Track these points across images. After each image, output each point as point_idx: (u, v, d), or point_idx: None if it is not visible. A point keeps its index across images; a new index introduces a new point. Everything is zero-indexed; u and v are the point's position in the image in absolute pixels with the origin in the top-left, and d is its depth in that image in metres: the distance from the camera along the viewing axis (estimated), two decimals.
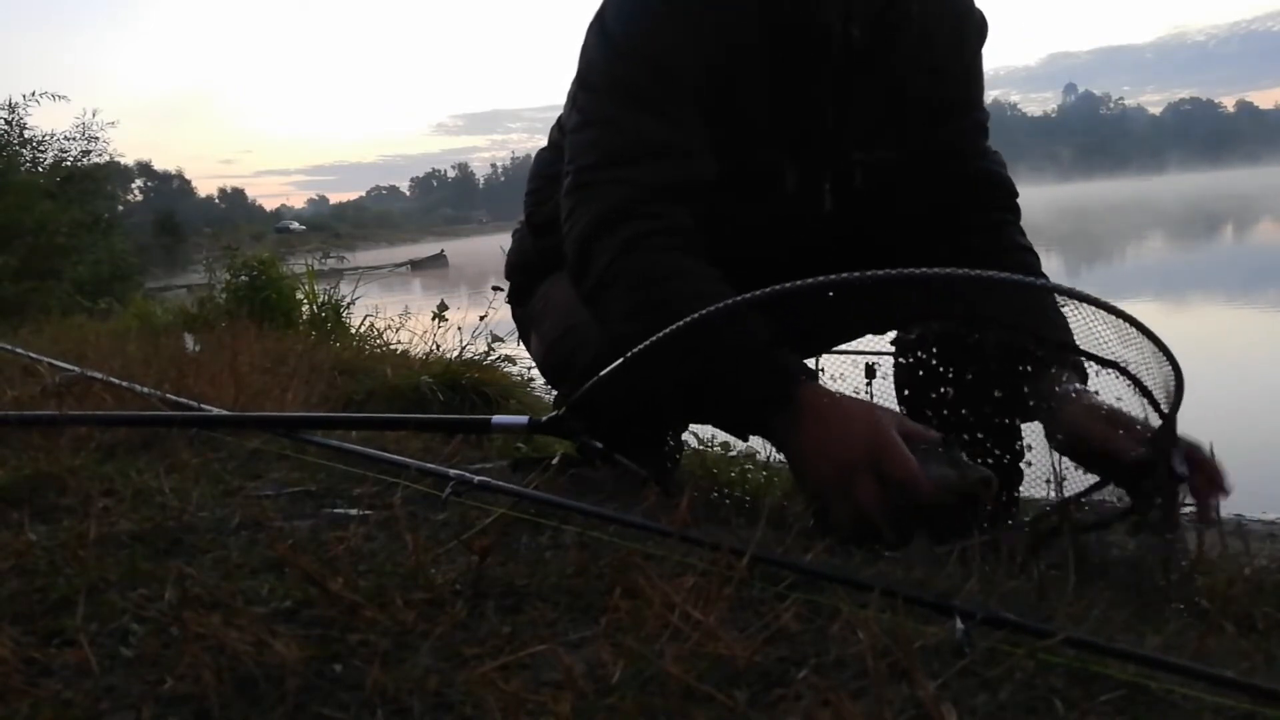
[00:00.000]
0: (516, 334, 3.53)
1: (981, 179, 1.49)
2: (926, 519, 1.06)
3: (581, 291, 1.36)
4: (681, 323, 1.16)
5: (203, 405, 1.69)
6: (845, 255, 1.49)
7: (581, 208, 1.32)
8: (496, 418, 1.37)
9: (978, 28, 1.48)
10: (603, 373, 1.25)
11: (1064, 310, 1.25)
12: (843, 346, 1.82)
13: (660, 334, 1.16)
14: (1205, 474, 1.14)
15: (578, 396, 1.30)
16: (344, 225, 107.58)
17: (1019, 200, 1.51)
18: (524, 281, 1.66)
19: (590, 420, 1.45)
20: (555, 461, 1.37)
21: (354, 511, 1.20)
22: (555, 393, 1.65)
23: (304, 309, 5.56)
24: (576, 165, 1.35)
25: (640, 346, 1.19)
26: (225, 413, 1.61)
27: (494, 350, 3.49)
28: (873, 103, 1.39)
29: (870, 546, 1.05)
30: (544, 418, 1.35)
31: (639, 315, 1.24)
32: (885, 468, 1.06)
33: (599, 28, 1.36)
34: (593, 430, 1.32)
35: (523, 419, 1.35)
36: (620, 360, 1.21)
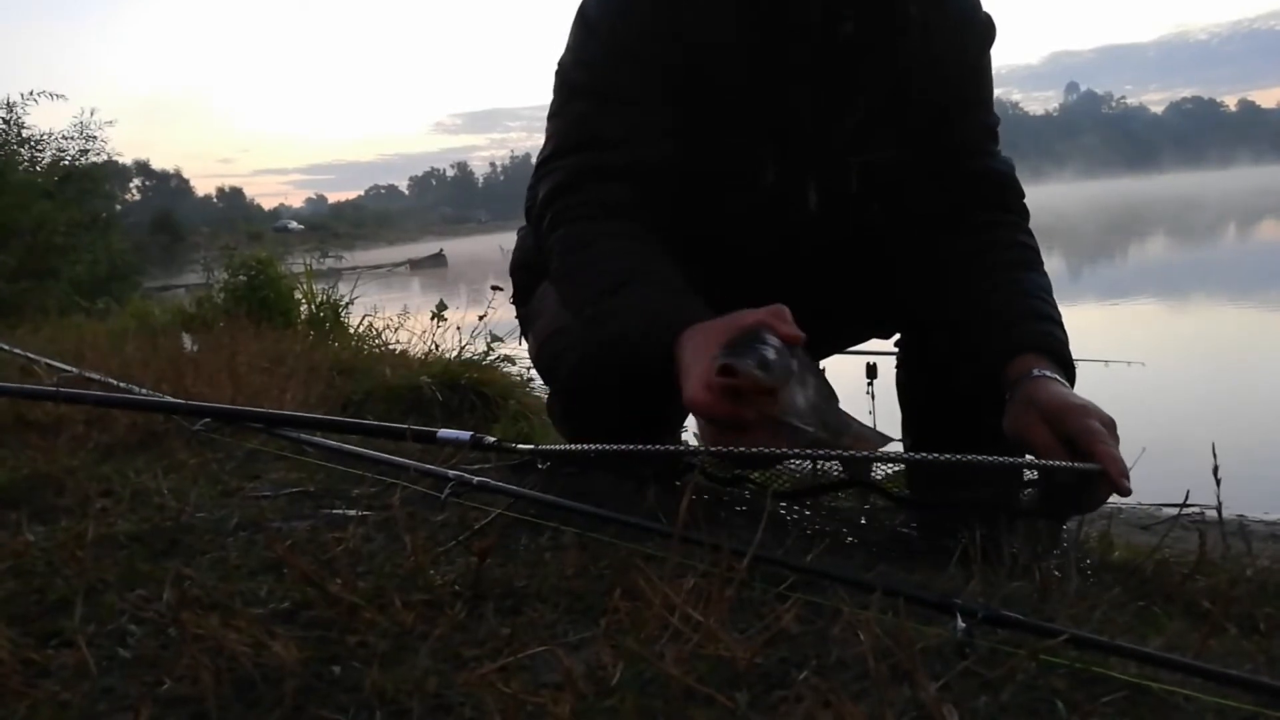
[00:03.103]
0: (515, 333, 3.53)
1: (986, 178, 1.47)
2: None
3: (543, 271, 1.42)
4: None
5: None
6: (832, 254, 1.48)
7: (536, 199, 1.39)
8: (443, 431, 1.39)
9: (983, 29, 1.46)
10: (531, 449, 1.31)
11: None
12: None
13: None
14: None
15: (511, 449, 1.34)
16: (342, 224, 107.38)
17: (1026, 201, 1.49)
18: (526, 280, 1.67)
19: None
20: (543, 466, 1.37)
21: (353, 512, 1.19)
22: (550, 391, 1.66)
23: (302, 309, 5.55)
24: (539, 159, 1.41)
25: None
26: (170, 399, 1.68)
27: (493, 350, 3.48)
28: (868, 101, 1.39)
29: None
30: (488, 439, 1.36)
31: (563, 282, 1.34)
32: (685, 397, 1.05)
33: (580, 11, 1.38)
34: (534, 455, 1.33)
35: (466, 434, 1.36)
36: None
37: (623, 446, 1.15)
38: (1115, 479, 1.08)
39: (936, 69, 1.40)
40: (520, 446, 1.31)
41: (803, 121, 1.36)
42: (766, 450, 1.02)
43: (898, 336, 1.63)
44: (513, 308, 1.79)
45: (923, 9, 1.37)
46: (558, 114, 1.40)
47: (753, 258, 1.45)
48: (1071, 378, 1.26)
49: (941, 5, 1.41)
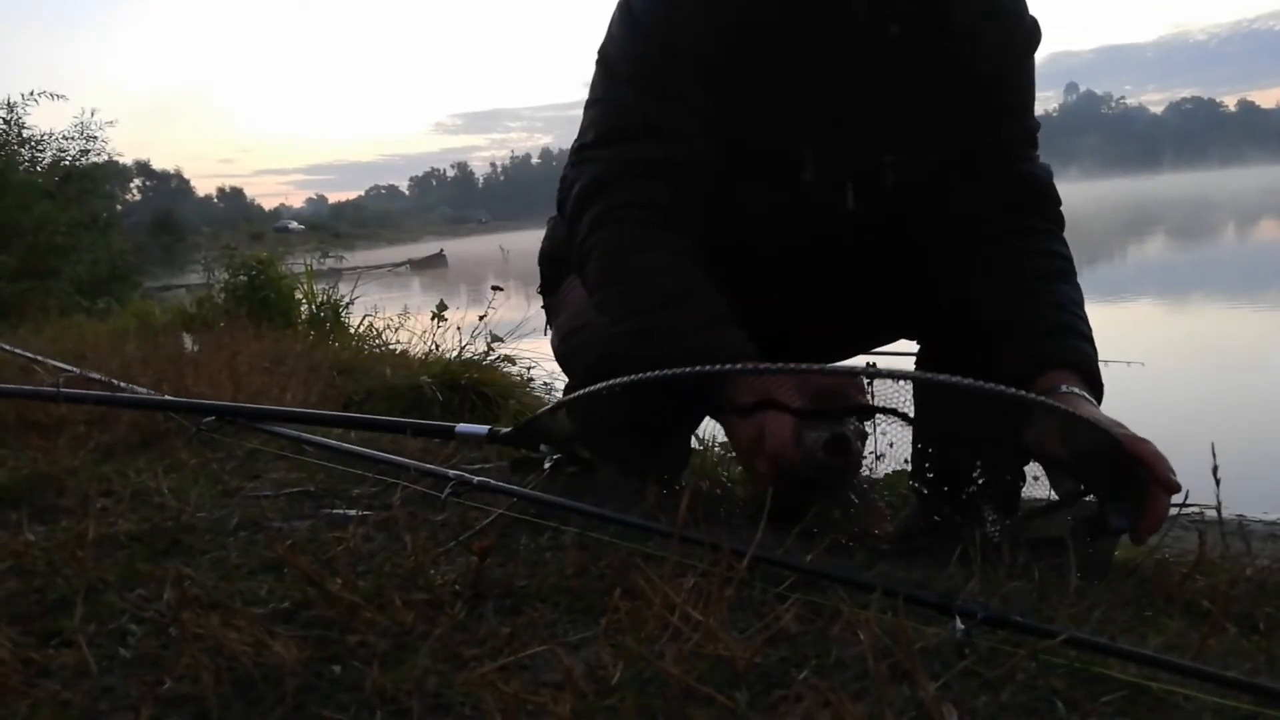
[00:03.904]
0: (516, 333, 3.53)
1: (1023, 183, 1.45)
2: (810, 488, 1.11)
3: (574, 265, 1.41)
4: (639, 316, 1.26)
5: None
6: (867, 254, 1.48)
7: (571, 186, 1.38)
8: (460, 426, 1.40)
9: (1028, 33, 1.44)
10: (547, 408, 1.33)
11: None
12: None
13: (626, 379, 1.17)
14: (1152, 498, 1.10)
15: (531, 419, 1.35)
16: (343, 224, 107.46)
17: (1061, 209, 1.47)
18: (554, 271, 1.67)
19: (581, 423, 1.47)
20: (548, 464, 1.37)
21: (353, 512, 1.20)
22: (566, 380, 1.66)
23: (303, 309, 5.55)
24: (578, 143, 1.40)
25: (601, 385, 1.19)
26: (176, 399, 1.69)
27: (493, 350, 3.49)
28: (909, 102, 1.38)
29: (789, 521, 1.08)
30: (503, 430, 1.37)
31: (606, 285, 1.32)
32: (766, 443, 1.12)
33: (625, 2, 1.38)
34: (552, 441, 1.35)
35: (483, 428, 1.38)
36: (570, 396, 1.25)
37: (648, 375, 1.13)
38: (1163, 476, 1.07)
39: (979, 71, 1.39)
40: (538, 412, 1.32)
41: (843, 120, 1.36)
42: (801, 366, 1.08)
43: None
44: (512, 309, 1.79)
45: (968, 11, 1.36)
46: (600, 101, 1.39)
47: (789, 256, 1.45)
48: (1099, 396, 1.25)
49: (988, 6, 1.40)
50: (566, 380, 1.65)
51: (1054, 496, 1.17)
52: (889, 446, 1.15)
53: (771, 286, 1.45)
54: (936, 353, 1.57)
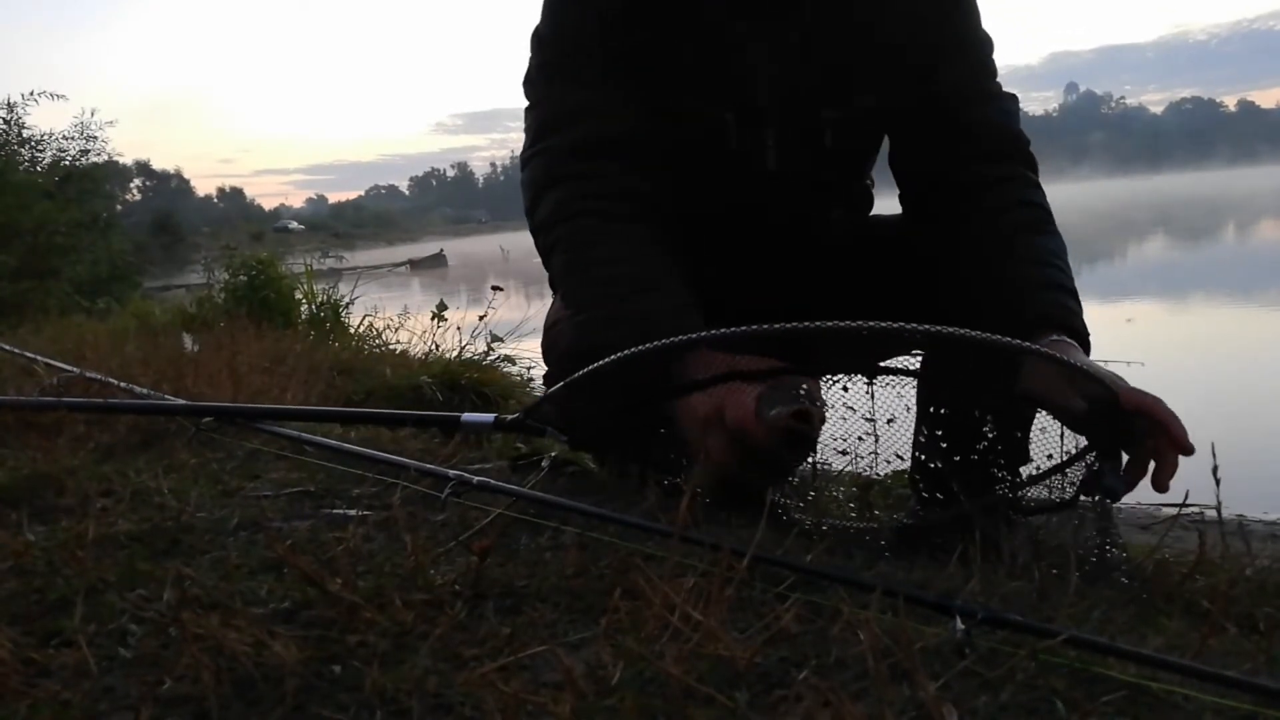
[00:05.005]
0: (516, 333, 3.52)
1: (984, 129, 1.37)
2: (769, 467, 1.08)
3: (541, 258, 1.41)
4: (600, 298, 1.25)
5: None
6: (820, 228, 1.46)
7: (525, 188, 1.39)
8: (466, 415, 1.41)
9: None
10: (553, 388, 1.31)
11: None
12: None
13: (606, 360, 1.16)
14: (1158, 444, 1.08)
15: (540, 400, 1.36)
16: (343, 224, 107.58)
17: (1030, 149, 1.39)
18: None
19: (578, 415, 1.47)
20: (547, 464, 1.37)
21: (353, 512, 1.20)
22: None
23: (303, 309, 5.55)
24: (521, 154, 1.43)
25: (585, 371, 1.19)
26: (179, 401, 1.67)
27: (493, 350, 3.49)
28: (832, 53, 1.34)
29: (731, 502, 1.06)
30: (509, 416, 1.38)
31: (570, 276, 1.32)
32: (726, 416, 1.06)
33: (533, 34, 1.42)
34: (556, 426, 1.34)
35: (489, 416, 1.38)
36: (566, 380, 1.25)
37: (647, 346, 1.12)
38: (1170, 426, 1.04)
39: (907, 8, 1.34)
40: (549, 390, 1.32)
41: (760, 81, 1.34)
42: (792, 325, 1.05)
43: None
44: (512, 309, 1.80)
45: None
46: (530, 109, 1.43)
47: (735, 221, 1.45)
48: (1086, 350, 1.21)
49: None
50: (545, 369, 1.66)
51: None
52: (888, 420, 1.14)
53: (730, 268, 1.44)
54: None
